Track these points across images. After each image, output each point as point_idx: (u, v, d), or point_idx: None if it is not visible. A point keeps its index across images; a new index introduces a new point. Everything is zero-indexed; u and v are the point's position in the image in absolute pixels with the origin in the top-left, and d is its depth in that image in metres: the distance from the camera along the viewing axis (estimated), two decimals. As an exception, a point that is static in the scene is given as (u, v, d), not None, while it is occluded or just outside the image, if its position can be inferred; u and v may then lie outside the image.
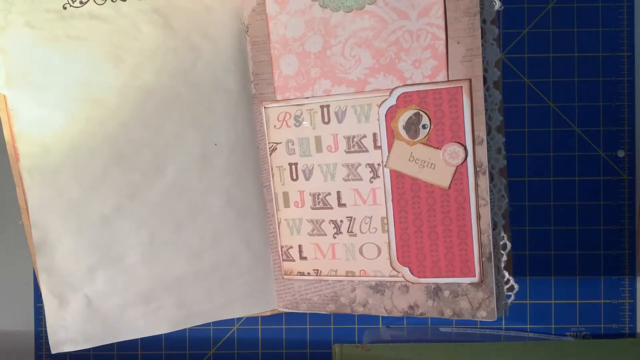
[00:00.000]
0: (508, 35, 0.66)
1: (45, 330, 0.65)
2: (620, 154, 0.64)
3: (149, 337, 0.58)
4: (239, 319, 0.62)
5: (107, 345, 0.58)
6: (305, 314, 0.61)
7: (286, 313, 0.61)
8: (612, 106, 0.64)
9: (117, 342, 0.60)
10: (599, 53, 0.64)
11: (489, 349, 0.59)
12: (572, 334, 0.64)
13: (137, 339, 0.60)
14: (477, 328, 0.62)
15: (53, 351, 0.46)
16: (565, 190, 0.64)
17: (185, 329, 0.63)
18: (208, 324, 0.62)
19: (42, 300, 0.60)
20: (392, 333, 0.62)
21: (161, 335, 0.60)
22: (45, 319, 0.47)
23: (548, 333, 0.64)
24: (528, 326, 0.64)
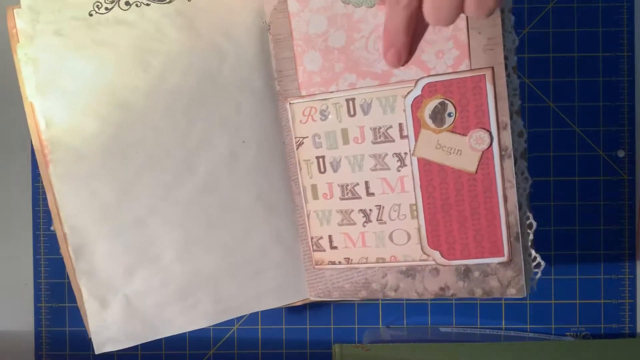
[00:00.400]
0: None
1: (45, 330, 0.68)
2: (620, 154, 0.64)
3: None
4: (238, 318, 0.63)
5: None
6: (306, 313, 0.63)
7: (286, 312, 0.63)
8: (612, 106, 0.64)
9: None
10: (599, 53, 0.64)
11: (489, 349, 0.59)
12: (572, 334, 0.64)
13: None
14: (477, 328, 0.63)
15: (97, 352, 0.47)
16: (565, 190, 0.65)
17: None
18: None
19: (42, 300, 0.66)
20: (392, 333, 0.63)
21: None
22: (84, 321, 0.48)
23: (548, 333, 0.65)
24: (528, 326, 0.65)
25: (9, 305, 0.69)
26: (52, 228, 0.48)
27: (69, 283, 0.59)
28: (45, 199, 0.64)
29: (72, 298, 0.64)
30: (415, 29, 0.37)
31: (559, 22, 0.65)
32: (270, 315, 0.65)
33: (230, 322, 0.64)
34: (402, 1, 0.35)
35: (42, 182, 0.56)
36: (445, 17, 0.35)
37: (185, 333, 0.62)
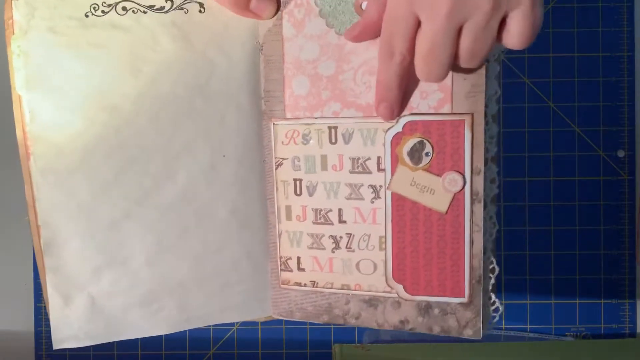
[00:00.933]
0: None
1: (45, 330, 0.69)
2: (620, 154, 0.65)
3: (149, 337, 0.60)
4: None
5: (107, 345, 0.60)
6: None
7: None
8: (612, 106, 0.65)
9: (117, 342, 0.62)
10: (599, 53, 0.65)
11: (489, 349, 0.60)
12: (572, 334, 0.66)
13: (138, 339, 0.63)
14: None
15: (55, 347, 0.48)
16: (565, 190, 0.66)
17: (185, 329, 0.64)
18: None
19: (42, 300, 0.66)
20: (392, 333, 0.63)
21: (161, 335, 0.61)
22: (48, 315, 0.49)
23: (548, 333, 0.66)
24: (528, 326, 0.66)
25: (9, 305, 0.70)
26: (26, 218, 0.49)
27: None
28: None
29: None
30: (407, 84, 0.38)
31: (559, 22, 0.66)
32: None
33: (230, 322, 0.63)
34: (395, 58, 0.36)
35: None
36: (436, 75, 0.36)
37: (185, 333, 0.65)
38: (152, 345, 0.68)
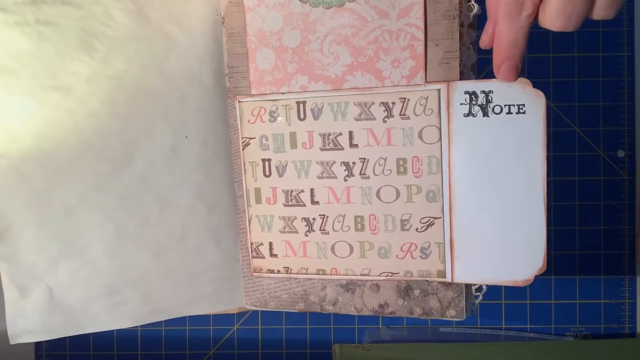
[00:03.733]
0: None
1: None
2: (620, 154, 0.66)
3: (149, 337, 0.66)
4: (239, 318, 0.66)
5: (106, 345, 0.66)
6: (306, 313, 0.64)
7: (287, 313, 0.64)
8: (612, 106, 0.67)
9: (117, 342, 0.66)
10: (599, 53, 0.67)
11: (489, 349, 0.61)
12: (572, 334, 0.67)
13: (137, 339, 0.66)
14: (477, 328, 0.65)
15: (11, 342, 0.48)
16: (565, 190, 0.67)
17: (185, 329, 0.67)
18: (208, 324, 0.66)
19: None
20: (392, 333, 0.65)
21: (161, 335, 0.66)
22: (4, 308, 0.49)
23: (548, 333, 0.67)
24: (528, 326, 0.67)
25: None
26: None
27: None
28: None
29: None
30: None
31: None
32: (270, 315, 0.67)
33: (230, 322, 0.67)
34: (525, 11, 0.36)
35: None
36: (575, 21, 0.37)
37: (185, 333, 0.66)
38: (152, 345, 0.69)
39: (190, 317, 0.62)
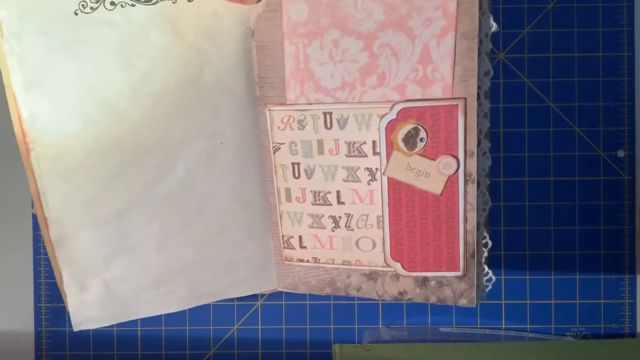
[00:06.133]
0: (508, 35, 0.70)
1: (45, 331, 0.71)
2: (620, 154, 0.68)
3: (149, 337, 0.69)
4: (239, 318, 0.69)
5: (106, 345, 0.69)
6: (306, 313, 0.68)
7: (287, 312, 0.69)
8: (612, 106, 0.69)
9: (117, 342, 0.69)
10: (599, 53, 0.68)
11: (489, 349, 0.62)
12: (572, 334, 0.68)
13: (137, 339, 0.69)
14: (477, 328, 0.68)
15: (75, 329, 0.55)
16: (565, 190, 0.69)
17: (185, 329, 0.69)
18: (208, 324, 0.69)
19: (42, 300, 0.71)
20: (392, 333, 0.67)
21: (161, 335, 0.69)
22: (65, 303, 0.56)
23: (548, 333, 0.68)
24: (528, 326, 0.69)
25: (9, 305, 0.73)
26: (33, 211, 0.56)
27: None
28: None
29: (73, 298, 0.66)
30: None
31: (559, 22, 0.69)
32: (270, 315, 0.70)
33: (230, 322, 0.70)
34: None
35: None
36: None
37: (185, 333, 0.69)
38: (152, 345, 0.70)
39: (190, 317, 0.68)
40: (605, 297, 0.68)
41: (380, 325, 0.70)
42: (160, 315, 0.65)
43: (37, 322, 0.72)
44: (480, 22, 0.45)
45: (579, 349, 0.64)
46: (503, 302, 0.68)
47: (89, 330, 0.68)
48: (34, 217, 0.68)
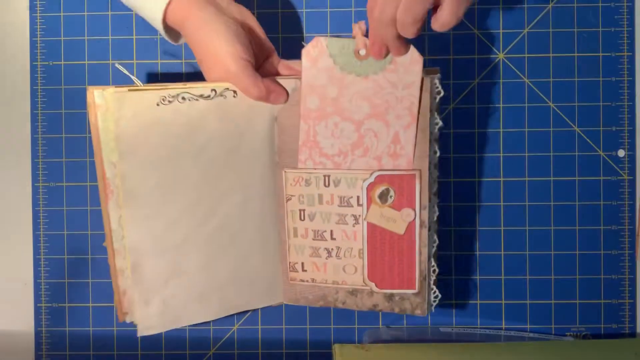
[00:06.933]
0: (508, 35, 0.69)
1: (45, 331, 0.71)
2: (620, 154, 0.66)
3: (149, 337, 0.72)
4: (238, 319, 0.78)
5: (106, 345, 0.73)
6: (306, 314, 0.78)
7: (287, 312, 0.80)
8: (612, 106, 0.67)
9: (117, 342, 0.73)
10: (599, 53, 0.67)
11: (489, 349, 0.61)
12: (572, 334, 0.65)
13: (137, 339, 0.75)
14: (477, 328, 0.69)
15: (140, 334, 0.78)
16: (565, 190, 0.69)
17: (185, 329, 0.76)
18: (208, 324, 0.77)
19: (42, 300, 0.73)
20: (392, 333, 0.70)
21: (161, 335, 0.76)
22: (131, 311, 0.79)
23: (548, 333, 0.65)
24: (528, 326, 0.66)
25: (9, 305, 0.70)
26: (104, 244, 0.79)
27: (69, 283, 0.70)
28: (45, 200, 0.75)
29: (72, 298, 0.72)
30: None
31: (559, 22, 0.68)
32: (270, 315, 0.76)
33: (230, 322, 0.74)
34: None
35: (42, 183, 0.69)
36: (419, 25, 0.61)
37: (185, 333, 0.77)
38: (152, 345, 0.71)
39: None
40: (605, 297, 0.66)
41: (380, 326, 0.75)
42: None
43: (37, 322, 0.70)
44: (430, 120, 0.71)
45: (579, 349, 0.62)
46: (503, 302, 0.68)
47: (88, 331, 0.72)
48: (34, 217, 0.71)
